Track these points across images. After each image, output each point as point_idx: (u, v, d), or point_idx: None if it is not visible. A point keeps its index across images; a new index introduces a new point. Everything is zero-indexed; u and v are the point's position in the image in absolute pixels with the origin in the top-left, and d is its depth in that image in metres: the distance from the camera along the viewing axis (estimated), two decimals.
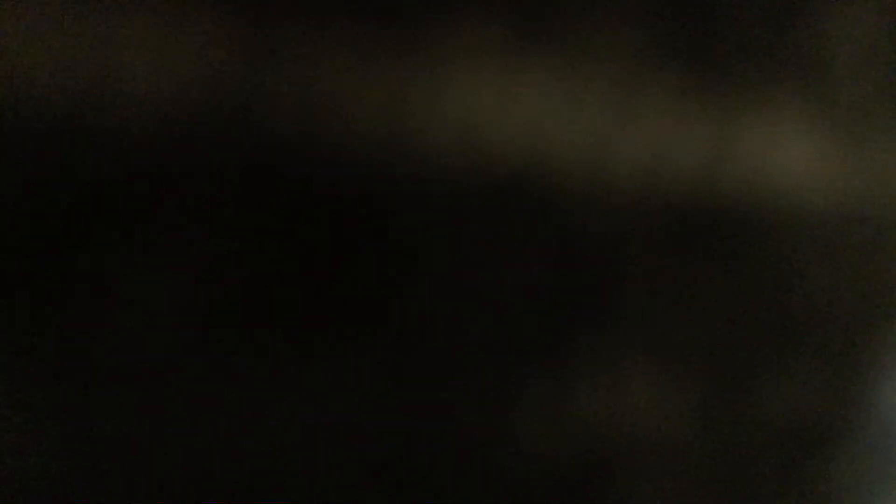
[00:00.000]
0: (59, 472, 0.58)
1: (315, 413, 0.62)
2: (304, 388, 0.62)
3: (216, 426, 0.61)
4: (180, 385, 0.60)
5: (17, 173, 0.56)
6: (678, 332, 0.68)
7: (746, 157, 0.68)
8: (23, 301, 0.57)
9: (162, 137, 0.58)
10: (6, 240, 0.56)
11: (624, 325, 0.67)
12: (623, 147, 0.66)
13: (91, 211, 0.57)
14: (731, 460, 0.70)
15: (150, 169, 0.58)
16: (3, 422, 0.57)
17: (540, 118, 0.64)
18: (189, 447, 0.61)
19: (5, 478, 0.57)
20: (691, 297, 0.68)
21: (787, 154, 0.69)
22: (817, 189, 0.70)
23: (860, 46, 0.70)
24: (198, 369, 0.60)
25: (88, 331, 0.58)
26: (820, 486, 0.71)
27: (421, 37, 0.62)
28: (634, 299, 0.67)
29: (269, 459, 0.62)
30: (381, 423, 0.63)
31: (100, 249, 0.58)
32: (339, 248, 0.62)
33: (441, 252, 0.64)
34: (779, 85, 0.69)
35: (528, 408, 0.66)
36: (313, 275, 0.61)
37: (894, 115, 0.71)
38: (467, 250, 0.64)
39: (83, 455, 0.59)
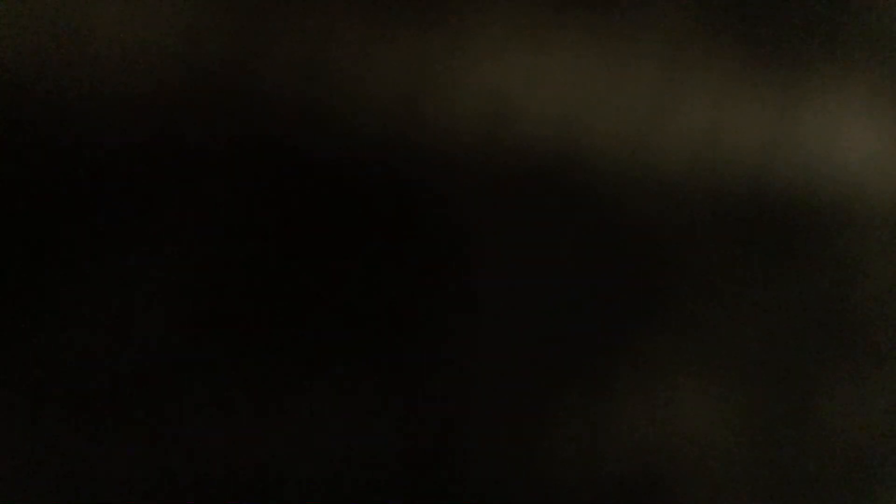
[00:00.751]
0: (54, 474, 0.55)
1: (331, 429, 0.59)
2: (316, 397, 0.59)
3: (220, 431, 0.58)
4: (181, 388, 0.57)
5: None
6: (729, 335, 0.65)
7: (806, 142, 0.65)
8: (3, 296, 0.54)
9: (144, 107, 0.53)
10: None
11: (670, 326, 0.63)
12: (669, 129, 0.62)
13: (64, 197, 0.53)
14: (793, 477, 0.66)
15: (132, 145, 0.54)
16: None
17: (576, 94, 0.61)
18: (191, 453, 0.57)
19: (3, 479, 0.54)
20: (745, 296, 0.64)
21: (851, 139, 0.66)
22: (883, 178, 0.66)
23: None
24: (199, 371, 0.57)
25: (73, 329, 0.55)
26: (886, 502, 0.68)
27: (444, 1, 0.58)
28: (683, 299, 0.64)
29: (281, 468, 0.58)
30: (414, 438, 0.60)
31: (82, 236, 0.54)
32: (353, 233, 0.58)
33: (467, 244, 0.60)
34: (842, 63, 0.65)
35: (569, 419, 0.62)
36: (325, 261, 0.58)
37: None
38: (495, 240, 0.60)
39: (79, 457, 0.56)
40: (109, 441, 0.56)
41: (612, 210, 0.62)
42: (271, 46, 0.55)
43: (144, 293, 0.55)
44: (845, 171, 0.66)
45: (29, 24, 0.50)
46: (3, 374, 0.54)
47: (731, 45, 0.64)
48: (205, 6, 0.53)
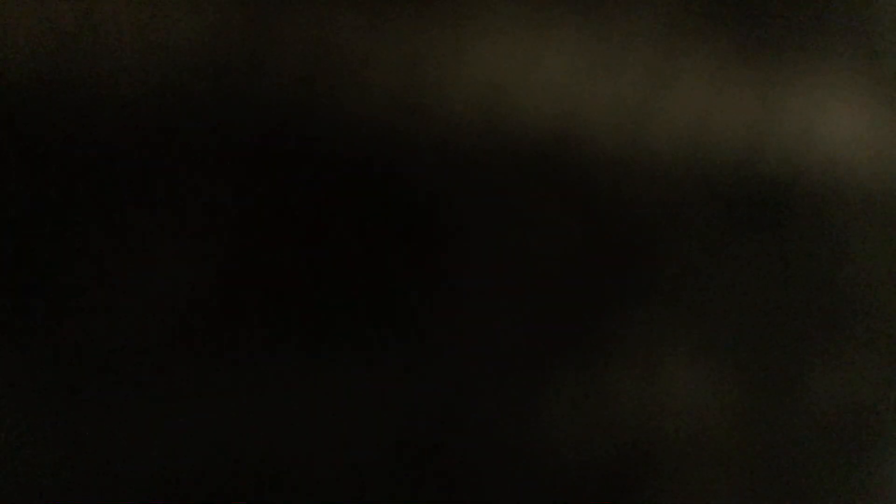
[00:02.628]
0: (54, 470, 0.56)
1: (335, 403, 0.59)
2: (322, 376, 0.59)
3: (222, 422, 0.58)
4: (184, 377, 0.57)
5: None
6: (719, 316, 0.65)
7: (791, 126, 0.66)
8: (7, 286, 0.54)
9: (155, 100, 0.54)
10: None
11: (662, 307, 0.64)
12: (660, 114, 0.63)
13: (77, 183, 0.54)
14: (777, 453, 0.67)
15: (143, 135, 0.54)
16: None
17: (570, 81, 0.61)
18: (195, 444, 0.58)
19: (2, 476, 0.55)
20: (732, 276, 0.65)
21: (834, 122, 0.66)
22: (866, 160, 0.67)
23: None
24: (203, 360, 0.57)
25: (80, 320, 0.55)
26: (873, 481, 0.69)
27: None
28: (672, 279, 0.64)
29: (284, 458, 0.59)
30: (405, 416, 0.60)
31: (89, 224, 0.55)
32: (351, 222, 0.59)
33: (462, 227, 0.60)
34: (825, 49, 0.66)
35: (560, 398, 0.63)
36: (324, 250, 0.58)
37: None
38: (491, 225, 0.61)
39: (80, 452, 0.56)
40: (109, 436, 0.56)
41: (605, 193, 0.62)
42: (277, 44, 0.55)
43: (146, 278, 0.56)
44: (830, 153, 0.67)
45: (47, 23, 0.51)
46: (27, 356, 0.54)
47: (719, 34, 0.64)
48: (215, 6, 0.54)
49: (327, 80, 0.57)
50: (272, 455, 0.59)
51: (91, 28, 0.52)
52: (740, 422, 0.66)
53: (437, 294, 0.60)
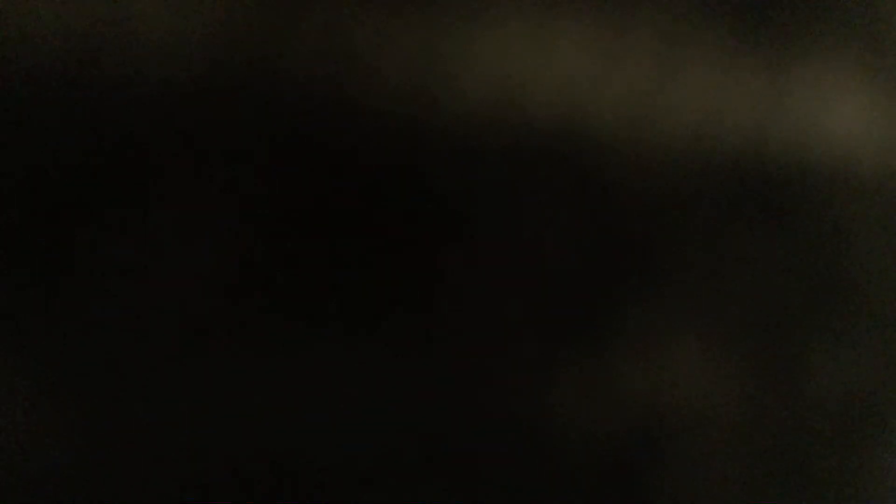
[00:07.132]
0: (69, 465, 0.56)
1: (346, 392, 0.59)
2: (336, 365, 0.59)
3: (241, 411, 0.58)
4: (201, 367, 0.57)
5: (18, 129, 0.53)
6: (726, 302, 0.65)
7: (796, 113, 0.66)
8: (27, 273, 0.55)
9: (177, 91, 0.54)
10: (8, 202, 0.53)
11: (669, 294, 0.64)
12: (667, 104, 0.63)
13: (99, 171, 0.54)
14: (782, 437, 0.67)
15: (164, 126, 0.55)
16: (12, 412, 0.55)
17: (579, 73, 0.62)
18: (209, 439, 0.58)
19: (16, 470, 0.55)
20: (739, 263, 0.65)
21: (838, 110, 0.66)
22: (870, 146, 0.67)
23: None
24: (219, 350, 0.58)
25: (98, 310, 0.55)
26: (876, 465, 0.69)
27: None
28: (680, 267, 0.64)
29: (297, 449, 0.59)
30: (419, 401, 0.61)
31: (109, 212, 0.55)
32: (366, 209, 0.59)
33: (474, 216, 0.61)
34: (828, 38, 0.66)
35: (570, 383, 0.63)
36: (340, 237, 0.58)
37: None
38: (502, 214, 0.61)
39: (95, 445, 0.56)
40: (126, 429, 0.56)
41: (613, 183, 0.63)
42: (296, 39, 0.55)
43: (164, 267, 0.56)
44: (834, 140, 0.67)
45: (69, 23, 0.51)
46: (9, 361, 0.54)
47: (724, 24, 0.64)
48: (233, 6, 0.54)
49: (342, 76, 0.57)
50: (288, 447, 0.59)
51: (112, 28, 0.53)
52: (745, 407, 0.66)
53: (450, 283, 0.61)
